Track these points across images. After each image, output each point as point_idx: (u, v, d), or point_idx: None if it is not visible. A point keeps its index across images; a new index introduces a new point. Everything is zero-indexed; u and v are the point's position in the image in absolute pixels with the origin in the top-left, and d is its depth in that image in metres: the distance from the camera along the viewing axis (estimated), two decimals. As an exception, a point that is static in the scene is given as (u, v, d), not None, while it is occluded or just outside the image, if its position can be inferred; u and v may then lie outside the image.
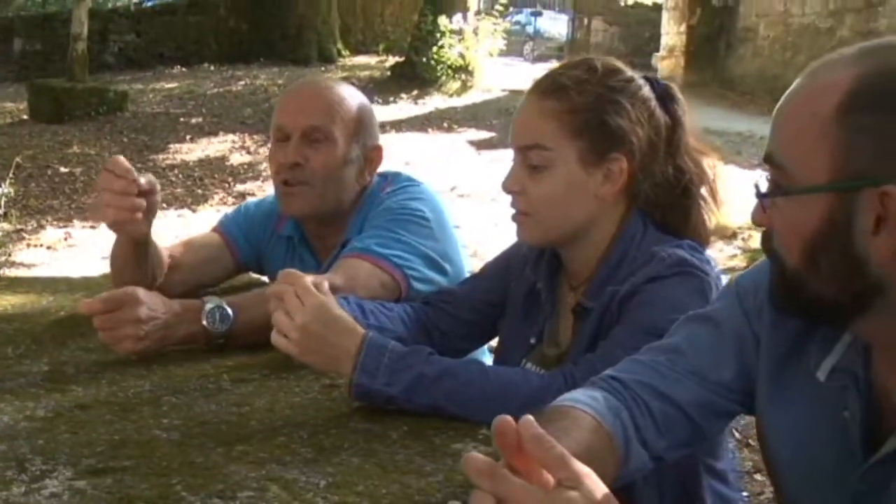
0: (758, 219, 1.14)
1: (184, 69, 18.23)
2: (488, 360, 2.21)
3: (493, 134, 12.64)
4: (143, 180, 1.83)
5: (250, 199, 2.38)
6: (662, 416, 1.28)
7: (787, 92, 1.11)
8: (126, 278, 2.00)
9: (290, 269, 1.55)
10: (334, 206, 2.13)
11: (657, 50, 18.02)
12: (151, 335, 1.72)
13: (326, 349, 1.51)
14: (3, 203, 8.01)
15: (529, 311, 1.81)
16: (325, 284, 1.56)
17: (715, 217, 1.70)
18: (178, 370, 1.69)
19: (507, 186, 1.71)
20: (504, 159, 10.98)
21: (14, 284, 2.39)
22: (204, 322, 1.77)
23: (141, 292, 1.74)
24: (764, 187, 1.12)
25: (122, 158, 1.85)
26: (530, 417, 0.89)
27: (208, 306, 1.78)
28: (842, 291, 1.05)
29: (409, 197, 2.12)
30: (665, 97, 1.72)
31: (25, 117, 13.79)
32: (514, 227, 1.74)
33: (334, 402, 1.55)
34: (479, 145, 11.97)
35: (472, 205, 8.66)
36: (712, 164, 1.73)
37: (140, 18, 19.53)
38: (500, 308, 1.89)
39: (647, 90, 1.70)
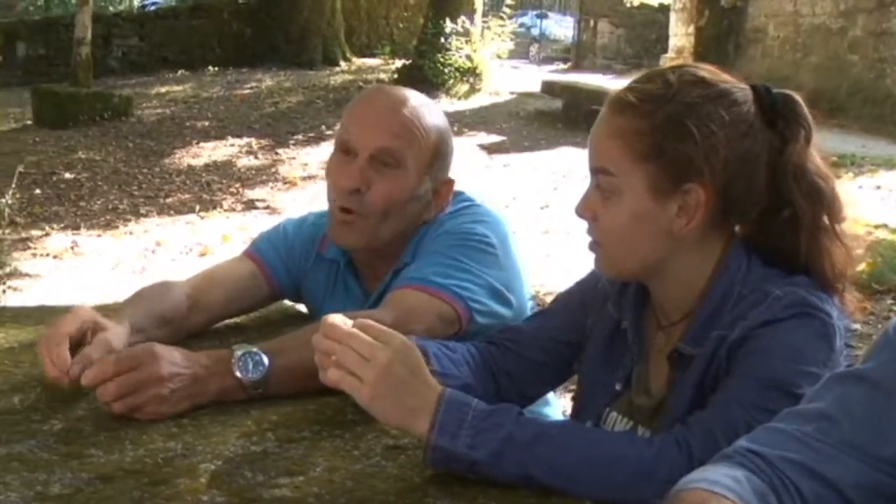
0: None
1: (187, 73, 18.02)
2: (556, 406, 2.00)
3: (503, 138, 12.40)
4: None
5: (288, 220, 2.10)
6: (816, 501, 1.05)
7: None
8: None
9: (333, 321, 1.32)
10: (389, 241, 1.87)
11: (664, 51, 17.81)
12: (178, 393, 1.48)
13: (406, 398, 1.27)
14: (6, 212, 7.73)
15: (613, 354, 1.57)
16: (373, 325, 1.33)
17: (844, 252, 1.42)
18: (213, 427, 1.45)
19: (578, 211, 1.48)
20: (514, 164, 10.80)
21: (20, 316, 2.12)
22: (237, 373, 1.53)
23: (158, 347, 1.51)
24: None
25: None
26: None
27: (238, 353, 1.54)
28: None
29: (471, 219, 1.86)
30: (777, 111, 1.43)
31: (30, 122, 13.54)
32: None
33: (402, 469, 1.32)
34: (490, 149, 11.73)
35: (486, 211, 8.42)
36: (832, 188, 1.44)
37: (143, 22, 19.33)
38: (575, 348, 1.65)
39: (745, 105, 1.41)
